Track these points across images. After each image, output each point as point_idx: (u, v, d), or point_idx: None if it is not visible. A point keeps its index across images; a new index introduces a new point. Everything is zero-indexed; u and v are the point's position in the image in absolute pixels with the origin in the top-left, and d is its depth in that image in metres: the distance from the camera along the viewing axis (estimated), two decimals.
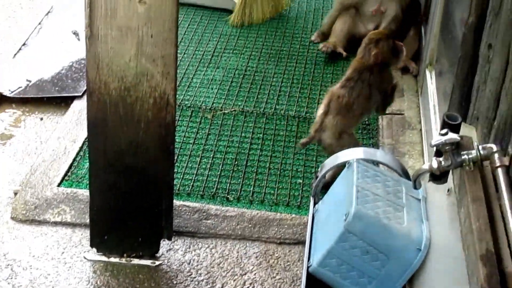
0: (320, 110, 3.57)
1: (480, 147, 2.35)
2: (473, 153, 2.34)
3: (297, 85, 4.57)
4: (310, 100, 4.42)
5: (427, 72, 4.21)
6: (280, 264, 3.31)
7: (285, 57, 4.86)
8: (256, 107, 4.33)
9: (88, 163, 3.23)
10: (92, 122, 3.02)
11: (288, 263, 3.32)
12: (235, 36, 5.07)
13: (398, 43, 3.59)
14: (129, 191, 3.13)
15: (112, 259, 3.27)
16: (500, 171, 2.29)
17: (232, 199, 3.65)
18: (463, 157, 2.35)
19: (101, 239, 3.25)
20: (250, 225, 3.49)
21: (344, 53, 4.80)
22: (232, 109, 4.30)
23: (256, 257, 3.35)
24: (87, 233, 3.32)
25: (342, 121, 3.51)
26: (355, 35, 4.81)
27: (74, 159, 3.82)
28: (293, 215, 3.55)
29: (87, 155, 3.39)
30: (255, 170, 3.84)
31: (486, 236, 2.10)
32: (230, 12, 5.25)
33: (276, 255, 3.37)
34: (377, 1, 4.71)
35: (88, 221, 3.29)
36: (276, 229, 3.48)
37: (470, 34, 2.84)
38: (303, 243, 3.31)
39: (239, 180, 3.77)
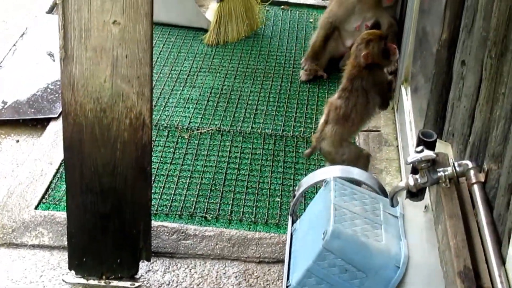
0: (321, 119, 3.60)
1: (455, 163, 2.37)
2: (449, 170, 2.36)
3: (273, 103, 4.58)
4: (286, 118, 4.43)
5: (403, 89, 4.24)
6: (260, 284, 3.30)
7: (261, 76, 4.87)
8: (232, 126, 4.33)
9: (65, 185, 3.21)
10: (68, 143, 3.01)
11: (268, 283, 3.31)
12: (210, 55, 5.07)
13: (390, 45, 3.58)
14: (107, 212, 3.11)
15: (91, 282, 3.25)
16: (476, 188, 2.31)
17: (210, 218, 3.64)
18: (439, 174, 2.36)
19: (79, 262, 3.23)
20: (229, 245, 3.48)
21: (325, 75, 4.81)
22: (209, 129, 4.29)
23: (236, 276, 3.33)
24: (65, 255, 3.30)
25: (341, 130, 3.54)
26: (335, 55, 4.83)
27: (51, 181, 3.80)
28: (272, 234, 3.55)
29: (64, 177, 3.38)
30: (233, 189, 3.84)
31: (463, 252, 2.10)
32: (205, 31, 5.26)
33: (256, 274, 3.36)
34: (360, 18, 4.72)
35: (66, 243, 3.27)
36: (255, 248, 3.47)
37: (444, 51, 2.86)
38: (282, 261, 3.30)
39: (217, 199, 3.76)
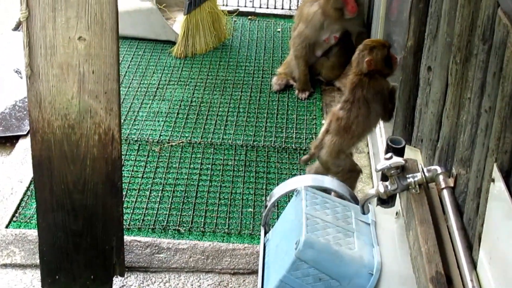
0: (323, 128, 3.57)
1: (425, 169, 2.38)
2: (418, 175, 2.37)
3: (243, 113, 4.58)
4: (257, 129, 4.43)
5: None
6: None
7: (230, 86, 4.87)
8: (203, 138, 4.32)
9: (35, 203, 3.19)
10: (37, 161, 2.99)
11: None
12: (179, 68, 5.07)
13: (393, 54, 3.55)
14: (78, 229, 3.09)
15: None
16: (445, 193, 2.32)
17: (183, 231, 3.63)
18: (408, 180, 2.37)
19: (52, 279, 3.21)
20: (203, 257, 3.47)
21: (295, 84, 4.83)
22: (180, 141, 4.29)
23: None
24: (38, 273, 3.28)
25: (340, 141, 3.50)
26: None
27: (22, 199, 3.78)
28: (246, 245, 3.55)
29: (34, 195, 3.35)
30: (206, 201, 3.83)
31: (435, 258, 2.11)
32: (173, 43, 5.26)
33: (231, 285, 3.35)
34: (328, 31, 4.73)
35: (38, 261, 3.24)
36: (229, 259, 3.46)
37: (410, 58, 2.88)
38: (257, 272, 3.30)
39: (190, 212, 3.76)
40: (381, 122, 3.89)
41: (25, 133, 4.26)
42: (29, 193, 3.81)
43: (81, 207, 3.05)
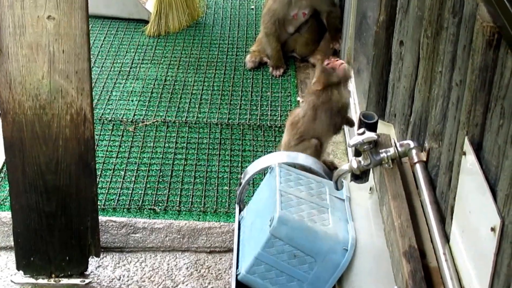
0: None
1: (397, 144, 2.38)
2: (391, 150, 2.37)
3: (217, 91, 4.56)
4: (231, 107, 4.41)
5: None
6: (212, 273, 3.30)
7: (204, 65, 4.85)
8: (178, 117, 4.30)
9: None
10: (9, 142, 2.96)
11: (220, 272, 3.31)
12: (152, 47, 5.03)
13: (333, 61, 3.54)
14: (52, 210, 3.07)
15: (40, 281, 3.21)
16: (418, 167, 2.33)
17: (159, 210, 3.62)
18: (381, 155, 2.38)
19: (27, 261, 3.19)
20: (179, 236, 3.46)
21: (269, 61, 4.81)
22: (154, 120, 4.26)
23: (187, 268, 3.32)
24: (12, 256, 3.25)
25: (287, 135, 3.56)
26: (279, 42, 4.83)
27: None
28: (222, 223, 3.54)
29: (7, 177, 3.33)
30: (181, 180, 3.82)
31: (408, 232, 2.12)
32: (146, 22, 5.21)
33: (207, 264, 3.35)
34: (296, 7, 4.72)
35: (12, 243, 3.22)
36: (205, 238, 3.46)
37: (382, 32, 2.87)
38: (233, 250, 3.30)
39: (165, 191, 3.74)
40: (356, 99, 3.90)
41: None
42: (2, 175, 3.78)
43: (54, 188, 3.03)
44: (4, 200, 3.60)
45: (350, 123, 3.62)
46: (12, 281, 3.22)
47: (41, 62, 2.81)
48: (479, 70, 1.82)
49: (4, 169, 3.76)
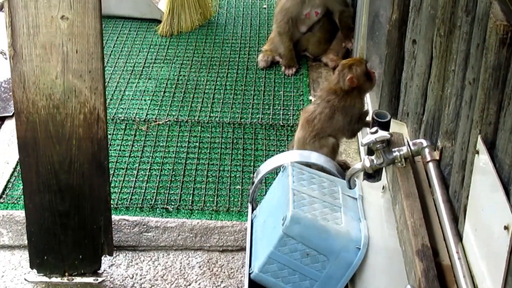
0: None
1: (410, 143, 2.38)
2: (404, 149, 2.37)
3: (230, 91, 4.57)
4: (244, 106, 4.42)
5: None
6: (224, 272, 3.30)
7: (217, 64, 4.86)
8: (190, 116, 4.31)
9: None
10: (23, 142, 2.98)
11: (232, 270, 3.31)
12: (165, 46, 5.04)
13: (370, 69, 3.55)
14: (65, 209, 3.09)
15: (54, 279, 3.23)
16: (431, 166, 2.33)
17: (171, 209, 3.62)
18: (394, 154, 2.37)
19: (40, 260, 3.20)
20: (191, 235, 3.47)
21: (282, 61, 4.82)
22: (167, 120, 4.27)
23: (200, 266, 3.33)
24: (26, 254, 3.27)
25: (302, 133, 3.54)
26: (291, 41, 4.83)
27: (8, 181, 3.76)
28: (234, 222, 3.54)
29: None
30: (193, 179, 3.83)
31: (421, 231, 2.12)
32: (158, 22, 5.23)
33: (220, 263, 3.35)
34: (309, 6, 4.72)
35: (26, 242, 3.23)
36: (218, 237, 3.47)
37: (395, 31, 2.87)
38: (245, 249, 3.30)
39: (178, 190, 3.75)
40: (368, 97, 3.89)
41: (11, 114, 4.24)
42: (16, 174, 3.79)
43: (67, 187, 3.05)
44: (18, 199, 3.62)
45: (368, 126, 3.61)
46: (25, 280, 3.23)
47: (55, 62, 2.83)
48: (492, 69, 1.82)
49: (18, 168, 3.77)
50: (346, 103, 3.46)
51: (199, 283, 3.24)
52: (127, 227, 3.49)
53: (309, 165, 2.95)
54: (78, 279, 3.23)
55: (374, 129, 2.38)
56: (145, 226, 3.50)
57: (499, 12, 1.81)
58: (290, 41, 4.76)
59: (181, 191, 3.74)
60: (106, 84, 4.40)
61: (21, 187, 3.24)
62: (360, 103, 3.52)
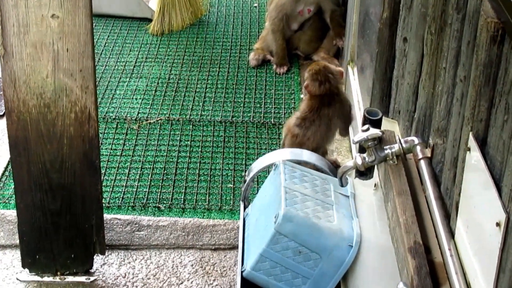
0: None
1: (402, 140, 2.38)
2: (396, 146, 2.37)
3: (221, 89, 4.57)
4: (235, 104, 4.42)
5: (349, 69, 4.25)
6: (217, 270, 3.30)
7: (208, 63, 4.85)
8: (182, 115, 4.31)
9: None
10: (14, 141, 2.97)
11: (225, 269, 3.31)
12: (156, 45, 5.04)
13: (334, 67, 3.52)
14: (57, 208, 3.08)
15: (46, 279, 3.22)
16: (423, 163, 2.33)
17: (163, 208, 3.62)
18: (386, 151, 2.38)
19: (32, 259, 3.20)
20: (183, 234, 3.47)
21: (273, 59, 4.82)
22: (158, 118, 4.27)
23: (192, 265, 3.33)
24: (18, 254, 3.26)
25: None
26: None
27: (0, 180, 3.75)
28: (226, 220, 3.55)
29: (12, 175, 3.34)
30: (185, 178, 3.82)
31: (413, 228, 2.12)
32: (149, 20, 5.22)
33: (212, 261, 3.35)
34: (302, 3, 4.72)
35: (18, 241, 3.23)
36: (210, 235, 3.47)
37: (386, 29, 2.87)
38: (237, 247, 3.30)
39: (170, 189, 3.75)
40: (359, 96, 3.90)
41: (1, 113, 4.23)
42: (7, 173, 3.79)
43: (59, 186, 3.04)
44: (9, 198, 3.61)
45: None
46: (17, 279, 3.23)
47: (46, 60, 2.82)
48: (484, 66, 1.82)
49: (9, 167, 3.77)
50: (338, 106, 3.45)
51: (192, 282, 3.24)
52: (119, 226, 3.48)
53: (300, 163, 2.95)
54: (70, 278, 3.22)
55: (366, 127, 2.38)
56: (137, 225, 3.50)
57: (489, 10, 1.81)
58: (283, 39, 4.76)
59: (173, 189, 3.74)
60: (97, 83, 4.39)
61: (12, 186, 3.24)
62: (346, 96, 3.53)
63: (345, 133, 3.61)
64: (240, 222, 2.94)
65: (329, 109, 3.42)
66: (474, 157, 1.88)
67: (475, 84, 1.87)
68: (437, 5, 2.30)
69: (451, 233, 2.07)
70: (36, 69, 2.83)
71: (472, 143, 1.89)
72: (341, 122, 3.48)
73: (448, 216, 2.13)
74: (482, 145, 1.86)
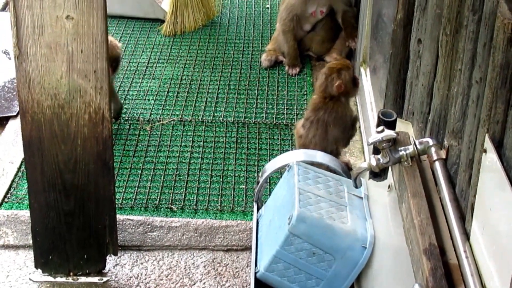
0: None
1: (416, 142, 2.38)
2: (410, 148, 2.37)
3: (234, 90, 4.57)
4: (248, 105, 4.42)
5: (362, 70, 4.25)
6: (229, 272, 3.30)
7: (220, 64, 4.86)
8: (194, 116, 4.31)
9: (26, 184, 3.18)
10: (28, 141, 2.98)
11: (237, 270, 3.31)
12: (168, 46, 5.04)
13: (355, 75, 3.52)
14: (70, 209, 3.09)
15: (58, 279, 3.23)
16: (437, 165, 2.32)
17: (176, 209, 3.63)
18: (400, 153, 2.37)
19: (45, 260, 3.21)
20: (196, 235, 3.47)
21: (285, 60, 4.82)
22: (170, 119, 4.27)
23: (204, 266, 3.33)
24: (31, 254, 3.27)
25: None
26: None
27: (13, 180, 3.76)
28: (239, 221, 3.55)
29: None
30: (198, 179, 3.83)
31: (428, 230, 2.12)
32: (161, 21, 5.23)
33: (224, 262, 3.35)
34: (314, 4, 4.72)
35: (31, 242, 3.24)
36: (223, 236, 3.47)
37: (400, 30, 2.86)
38: (250, 248, 3.30)
39: (182, 190, 3.75)
40: (372, 97, 3.89)
41: (15, 114, 4.24)
42: (20, 174, 3.80)
43: (72, 187, 3.05)
44: (23, 198, 3.62)
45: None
46: (30, 279, 3.23)
47: (60, 61, 2.83)
48: (500, 67, 1.82)
49: (22, 168, 3.78)
50: (338, 114, 3.44)
51: (204, 283, 3.24)
52: (131, 227, 3.49)
53: (314, 164, 2.95)
54: (83, 279, 3.23)
55: (380, 128, 2.38)
56: (149, 226, 3.50)
57: (506, 11, 1.81)
58: (294, 40, 4.76)
59: (186, 190, 3.74)
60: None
61: (26, 187, 3.24)
62: (350, 109, 3.51)
63: (340, 144, 3.57)
64: (254, 223, 2.94)
65: (325, 114, 3.42)
66: (490, 159, 1.87)
67: (492, 86, 1.87)
68: (453, 7, 2.30)
69: (466, 235, 2.07)
70: (51, 70, 2.84)
71: (488, 144, 1.88)
72: (337, 132, 3.46)
73: (463, 218, 2.12)
74: (498, 146, 1.85)
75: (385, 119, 2.45)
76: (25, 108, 2.91)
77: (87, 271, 3.23)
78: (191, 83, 4.64)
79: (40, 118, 2.92)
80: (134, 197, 3.69)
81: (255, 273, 2.64)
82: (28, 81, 2.86)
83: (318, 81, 3.47)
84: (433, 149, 2.37)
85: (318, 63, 4.88)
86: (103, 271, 3.26)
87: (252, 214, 3.47)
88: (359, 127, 4.17)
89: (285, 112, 4.37)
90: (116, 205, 3.25)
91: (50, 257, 3.19)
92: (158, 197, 3.69)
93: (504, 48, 1.79)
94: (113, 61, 3.84)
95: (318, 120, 3.44)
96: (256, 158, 3.98)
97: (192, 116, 4.30)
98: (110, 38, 3.68)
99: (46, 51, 2.81)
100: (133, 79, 4.67)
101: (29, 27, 2.76)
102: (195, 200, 3.68)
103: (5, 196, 3.66)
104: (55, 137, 2.96)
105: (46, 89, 2.87)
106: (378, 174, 2.47)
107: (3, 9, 5.44)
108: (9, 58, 4.80)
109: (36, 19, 2.75)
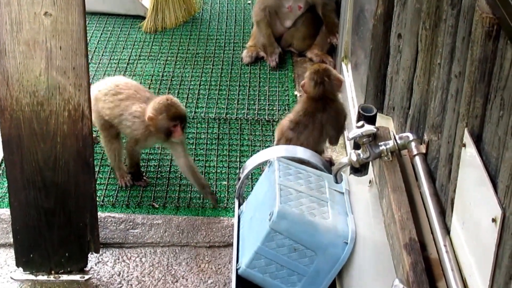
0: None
1: (396, 136, 2.38)
2: (390, 143, 2.37)
3: (215, 87, 4.56)
4: (229, 101, 4.41)
5: (343, 65, 4.25)
6: (211, 268, 3.30)
7: (201, 60, 4.84)
8: None
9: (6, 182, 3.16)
10: (7, 139, 2.96)
11: (219, 266, 3.31)
12: (149, 42, 5.02)
13: (335, 73, 3.50)
14: (51, 206, 3.07)
15: (40, 277, 3.21)
16: (418, 159, 2.32)
17: (158, 206, 3.61)
18: (380, 148, 2.37)
19: (26, 258, 3.19)
20: (178, 231, 3.46)
21: (266, 56, 4.81)
22: None
23: (187, 263, 3.32)
24: (12, 253, 3.25)
25: None
26: (275, 35, 4.82)
27: None
28: (221, 218, 3.54)
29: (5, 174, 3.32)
30: (179, 176, 3.81)
31: (408, 224, 2.12)
32: (142, 18, 5.21)
33: (207, 259, 3.35)
34: None
35: (12, 240, 3.22)
36: (205, 233, 3.46)
37: (380, 25, 2.86)
38: (232, 245, 3.29)
39: (164, 187, 3.74)
40: (353, 93, 3.89)
41: None
42: (0, 172, 3.77)
43: (52, 185, 3.03)
44: (3, 197, 3.60)
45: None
46: (11, 278, 3.22)
47: (39, 58, 2.81)
48: (479, 62, 1.82)
49: (3, 165, 3.75)
50: (335, 112, 3.43)
51: (187, 279, 3.23)
52: (113, 224, 3.48)
53: (294, 159, 2.94)
54: (64, 277, 3.21)
55: (360, 123, 2.38)
56: (131, 223, 3.49)
57: (484, 5, 1.81)
58: (268, 28, 4.76)
59: (167, 187, 3.73)
60: (90, 80, 4.38)
61: (6, 185, 3.22)
62: (343, 107, 3.50)
63: (335, 142, 3.56)
64: (235, 220, 2.93)
65: (323, 115, 3.40)
66: (469, 153, 1.87)
67: (470, 80, 1.87)
68: (432, 1, 2.30)
69: (446, 230, 2.07)
70: (29, 67, 2.82)
71: (467, 139, 1.88)
72: (333, 131, 3.46)
73: (444, 213, 2.13)
74: (478, 141, 1.85)
75: (365, 114, 2.44)
76: (4, 105, 2.89)
77: (69, 269, 3.22)
78: (172, 79, 4.62)
79: (19, 115, 2.90)
80: (115, 194, 3.68)
81: (237, 270, 2.63)
82: (6, 79, 2.84)
83: (307, 84, 3.42)
84: (413, 144, 2.37)
85: (299, 58, 4.88)
86: (85, 269, 3.25)
87: (234, 211, 3.47)
88: None
89: (266, 108, 4.36)
90: (98, 203, 3.24)
91: (31, 255, 3.17)
92: (140, 194, 3.68)
93: (482, 42, 1.79)
94: (182, 121, 3.49)
95: (313, 122, 3.40)
96: (238, 154, 3.98)
97: None
98: (173, 98, 3.47)
99: (24, 48, 2.79)
100: (114, 75, 4.63)
101: (7, 24, 2.74)
102: (177, 197, 3.67)
103: None
104: (35, 135, 2.94)
105: (25, 86, 2.85)
106: (359, 169, 2.47)
107: None
108: None
109: (14, 16, 2.73)
